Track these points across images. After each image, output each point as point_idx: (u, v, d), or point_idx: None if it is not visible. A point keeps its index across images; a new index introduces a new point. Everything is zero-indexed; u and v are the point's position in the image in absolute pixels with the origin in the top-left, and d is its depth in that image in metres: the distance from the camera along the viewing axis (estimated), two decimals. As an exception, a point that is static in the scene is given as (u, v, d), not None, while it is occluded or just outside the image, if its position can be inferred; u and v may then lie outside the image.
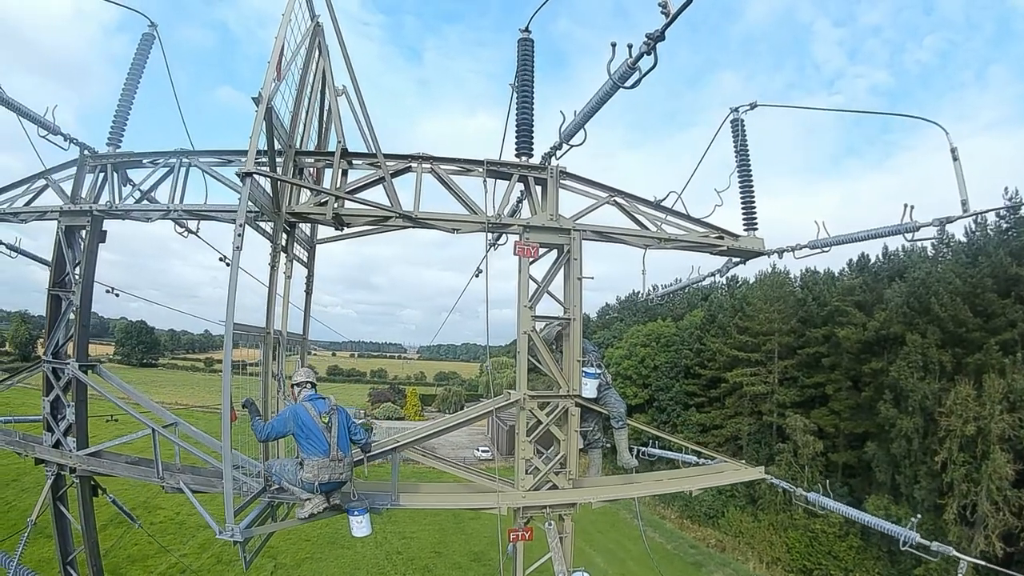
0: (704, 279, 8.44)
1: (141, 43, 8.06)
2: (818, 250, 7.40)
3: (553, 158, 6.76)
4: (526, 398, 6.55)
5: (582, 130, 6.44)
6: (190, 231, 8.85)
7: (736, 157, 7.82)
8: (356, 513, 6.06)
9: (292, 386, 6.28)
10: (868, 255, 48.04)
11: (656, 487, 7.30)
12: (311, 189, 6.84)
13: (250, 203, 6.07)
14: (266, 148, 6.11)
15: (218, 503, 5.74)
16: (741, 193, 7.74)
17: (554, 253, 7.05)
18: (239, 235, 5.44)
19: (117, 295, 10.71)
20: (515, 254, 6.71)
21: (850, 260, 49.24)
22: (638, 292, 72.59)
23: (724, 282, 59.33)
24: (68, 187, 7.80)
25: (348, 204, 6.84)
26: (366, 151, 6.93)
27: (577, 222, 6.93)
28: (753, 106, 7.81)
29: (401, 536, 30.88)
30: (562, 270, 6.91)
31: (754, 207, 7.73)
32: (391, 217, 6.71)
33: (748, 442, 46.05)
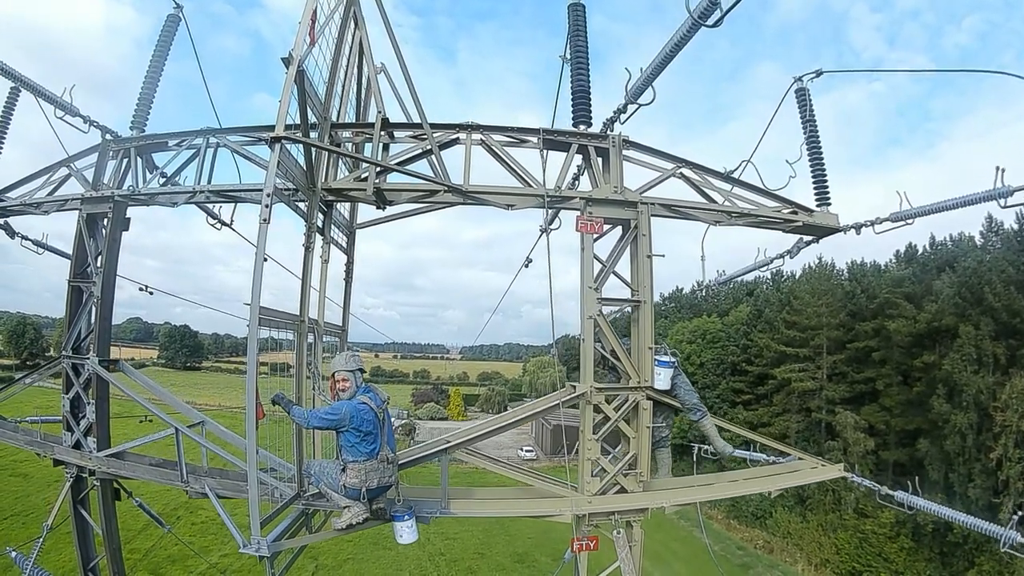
0: (771, 261, 7.10)
1: (166, 24, 6.90)
2: (901, 223, 6.05)
3: (617, 123, 5.52)
4: (593, 391, 5.25)
5: (650, 88, 5.21)
6: (223, 223, 7.67)
7: (803, 128, 6.52)
8: (404, 518, 4.75)
9: (333, 375, 4.72)
10: (916, 245, 43.20)
11: (731, 489, 5.97)
12: (351, 157, 5.61)
13: (281, 176, 4.88)
14: (298, 119, 4.91)
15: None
16: (811, 166, 6.42)
17: (617, 232, 5.78)
18: (267, 206, 4.27)
19: (151, 293, 9.57)
20: (577, 230, 5.45)
21: (897, 251, 44.50)
22: (681, 288, 66.22)
23: (769, 276, 53.54)
24: (91, 176, 6.65)
25: (391, 179, 5.62)
26: (407, 122, 5.73)
27: (643, 195, 5.65)
28: (819, 73, 6.49)
29: (444, 537, 28.72)
30: (628, 249, 5.63)
31: (826, 181, 6.42)
32: (439, 191, 5.47)
33: (796, 440, 40.28)
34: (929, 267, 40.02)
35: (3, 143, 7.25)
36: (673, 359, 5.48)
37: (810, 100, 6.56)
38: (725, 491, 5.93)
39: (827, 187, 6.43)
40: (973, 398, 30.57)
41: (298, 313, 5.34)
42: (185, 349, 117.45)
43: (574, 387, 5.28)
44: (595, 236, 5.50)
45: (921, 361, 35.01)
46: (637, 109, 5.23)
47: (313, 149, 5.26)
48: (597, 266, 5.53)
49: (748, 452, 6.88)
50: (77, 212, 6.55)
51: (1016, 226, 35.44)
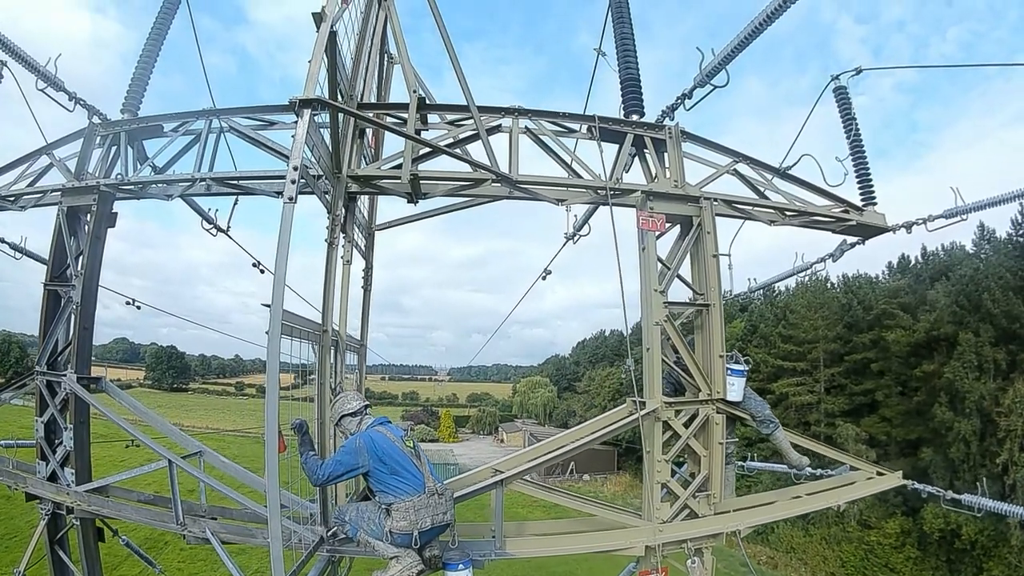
0: (811, 266, 6.21)
1: (165, 3, 5.59)
2: (956, 219, 5.28)
3: (682, 107, 4.51)
4: (662, 407, 4.14)
5: (724, 71, 4.24)
6: (219, 228, 6.34)
7: (844, 127, 5.69)
8: (458, 567, 3.52)
9: (342, 419, 3.67)
10: (908, 256, 40.08)
11: (797, 506, 4.97)
12: (390, 131, 4.39)
13: (307, 153, 3.65)
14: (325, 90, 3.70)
15: (259, 553, 3.24)
16: (855, 164, 5.56)
17: (674, 234, 4.75)
18: (292, 182, 3.07)
19: (139, 307, 8.07)
20: (639, 227, 4.38)
21: (889, 263, 41.07)
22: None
23: (762, 292, 52.76)
24: (74, 166, 5.23)
25: (426, 167, 4.44)
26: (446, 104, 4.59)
27: (703, 190, 4.65)
28: (859, 71, 5.67)
29: None
30: (689, 248, 4.59)
31: (871, 179, 5.58)
32: (485, 181, 4.32)
33: (797, 456, 36.81)
34: (923, 277, 37.03)
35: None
36: (745, 367, 4.44)
37: (848, 98, 5.77)
38: (793, 508, 4.92)
39: (872, 186, 5.58)
40: (976, 404, 28.08)
41: (320, 322, 4.07)
42: (172, 370, 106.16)
43: (643, 403, 4.16)
44: (657, 234, 4.45)
45: (921, 370, 32.05)
46: (711, 91, 4.23)
47: (339, 130, 4.05)
48: (657, 268, 4.47)
49: (786, 467, 5.89)
50: (57, 206, 5.12)
51: (1008, 233, 32.74)
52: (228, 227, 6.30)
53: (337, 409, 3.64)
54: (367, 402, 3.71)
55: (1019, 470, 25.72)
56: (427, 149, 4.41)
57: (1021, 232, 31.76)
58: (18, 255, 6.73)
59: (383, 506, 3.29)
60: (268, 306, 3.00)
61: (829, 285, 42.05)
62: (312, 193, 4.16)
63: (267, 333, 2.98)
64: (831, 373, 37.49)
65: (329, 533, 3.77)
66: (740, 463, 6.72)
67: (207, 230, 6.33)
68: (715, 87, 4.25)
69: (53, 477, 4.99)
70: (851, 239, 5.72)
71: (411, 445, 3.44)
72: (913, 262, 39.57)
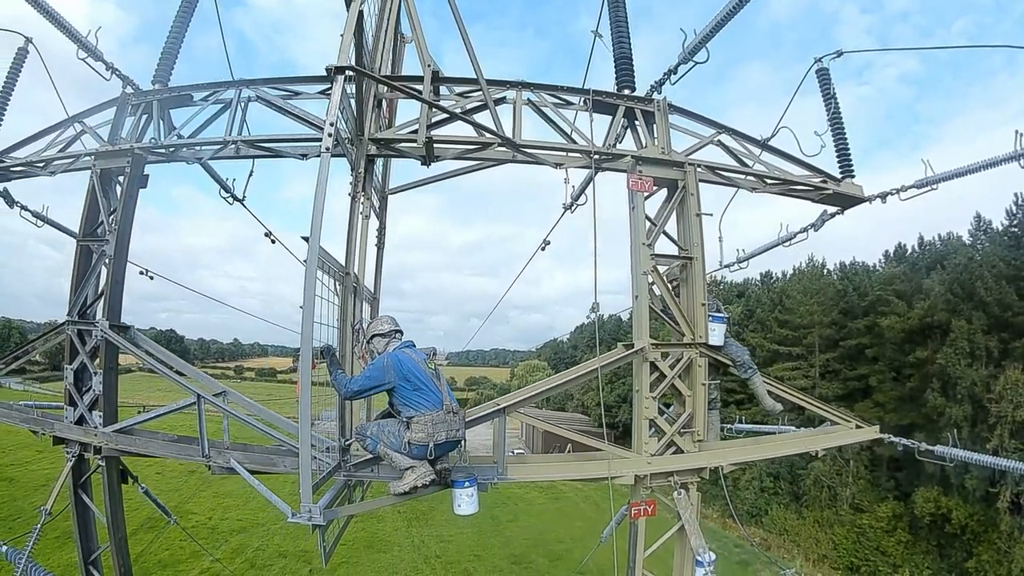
0: (795, 236, 6.75)
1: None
2: (927, 188, 5.82)
3: (668, 83, 5.06)
4: (649, 347, 4.65)
5: (705, 49, 4.80)
6: (236, 198, 6.82)
7: (825, 105, 6.26)
8: (464, 485, 4.01)
9: (373, 338, 4.17)
10: (905, 245, 40.44)
11: (779, 448, 5.49)
12: (411, 95, 4.88)
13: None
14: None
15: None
16: (835, 140, 6.12)
17: (661, 196, 5.28)
18: (329, 135, 3.58)
19: (151, 277, 8.48)
20: (629, 187, 4.91)
21: (886, 251, 41.51)
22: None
23: (759, 277, 50.08)
24: (105, 134, 5.71)
25: (440, 132, 4.95)
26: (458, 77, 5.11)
27: (688, 157, 5.19)
28: (839, 54, 6.25)
29: (439, 539, 25.41)
30: (675, 209, 5.12)
31: (849, 154, 6.13)
32: (491, 144, 4.84)
33: (791, 437, 36.15)
34: (919, 266, 37.66)
35: (8, 103, 6.23)
36: (726, 314, 4.96)
37: (829, 78, 6.34)
38: (772, 450, 5.41)
39: (851, 160, 6.13)
40: (968, 391, 28.77)
41: (343, 264, 4.57)
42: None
43: (631, 344, 4.67)
44: (646, 194, 4.98)
45: (914, 357, 32.82)
46: (692, 67, 4.78)
47: (362, 96, 4.56)
48: (646, 227, 5.00)
49: (776, 427, 6.45)
50: (89, 170, 5.58)
51: (1002, 224, 33.55)
52: (244, 196, 6.78)
53: (370, 329, 4.14)
54: (399, 327, 4.19)
55: (1008, 455, 25.27)
56: (440, 117, 4.94)
57: (1015, 222, 32.31)
58: (40, 223, 7.18)
59: (404, 420, 3.76)
60: (306, 239, 3.50)
61: (826, 272, 42.40)
62: (342, 155, 4.65)
63: (305, 263, 3.47)
64: (826, 358, 38.04)
65: (347, 443, 4.21)
66: (727, 425, 7.22)
67: (224, 198, 6.80)
68: (696, 63, 4.79)
69: (80, 421, 5.42)
70: (831, 209, 6.27)
71: (433, 368, 3.92)
72: (909, 251, 40.05)
